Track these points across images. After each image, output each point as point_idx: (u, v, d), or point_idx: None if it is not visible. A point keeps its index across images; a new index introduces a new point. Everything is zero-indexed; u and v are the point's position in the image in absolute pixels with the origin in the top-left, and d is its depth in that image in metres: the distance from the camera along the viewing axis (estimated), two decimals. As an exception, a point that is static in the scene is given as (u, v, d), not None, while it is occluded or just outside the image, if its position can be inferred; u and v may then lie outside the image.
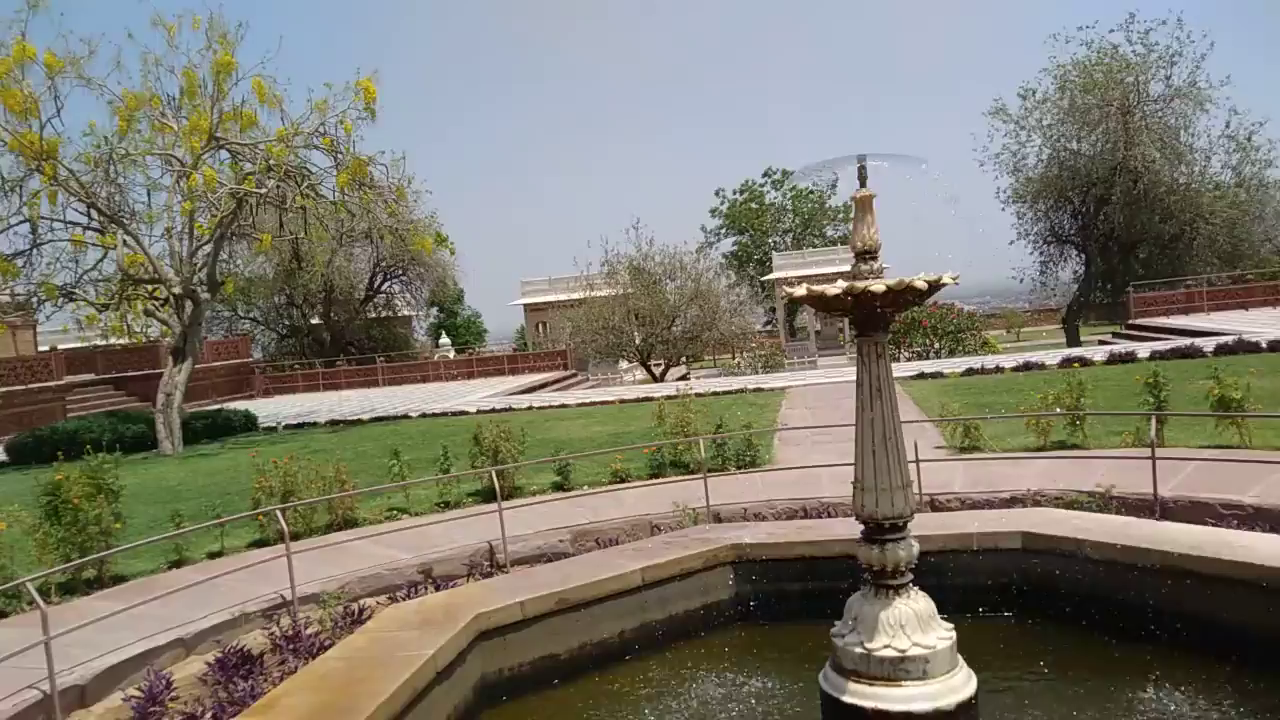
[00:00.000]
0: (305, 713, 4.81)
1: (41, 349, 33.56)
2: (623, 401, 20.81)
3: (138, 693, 5.84)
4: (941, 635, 4.77)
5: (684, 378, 31.57)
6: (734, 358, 39.75)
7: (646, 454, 11.23)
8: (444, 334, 49.25)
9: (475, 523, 9.02)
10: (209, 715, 5.49)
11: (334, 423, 21.83)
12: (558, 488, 10.57)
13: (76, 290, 19.66)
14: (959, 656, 4.82)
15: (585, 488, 10.42)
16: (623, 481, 10.60)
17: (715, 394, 19.90)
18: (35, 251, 19.05)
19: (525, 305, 50.09)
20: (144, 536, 9.20)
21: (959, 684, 4.68)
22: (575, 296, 38.20)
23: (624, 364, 38.85)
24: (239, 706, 5.40)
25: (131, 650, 6.32)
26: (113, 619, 6.53)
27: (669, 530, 8.52)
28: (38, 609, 5.92)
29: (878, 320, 4.80)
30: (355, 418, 22.28)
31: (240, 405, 26.38)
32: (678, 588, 6.98)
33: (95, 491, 8.19)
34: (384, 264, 45.57)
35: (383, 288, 47.59)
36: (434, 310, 55.03)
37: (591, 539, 8.67)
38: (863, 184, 4.91)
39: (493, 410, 20.98)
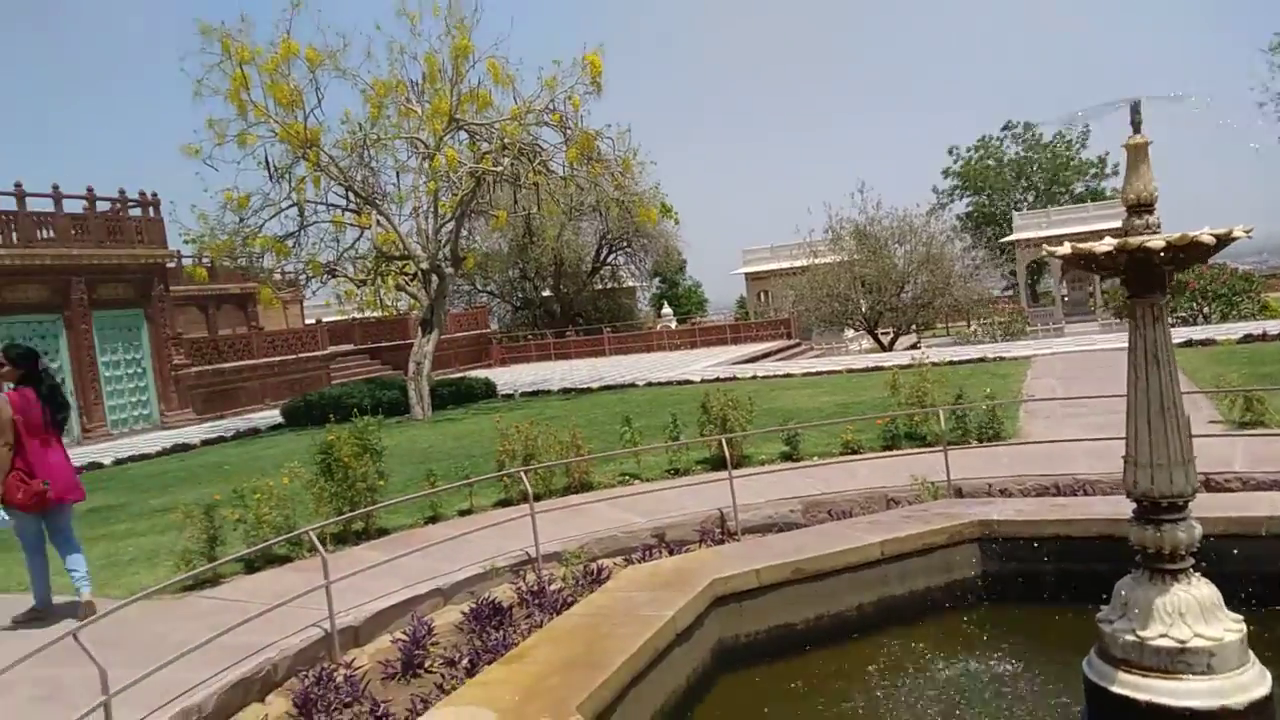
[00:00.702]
0: (554, 664, 5.01)
1: (307, 322, 37.16)
2: (850, 371, 20.32)
3: (403, 636, 6.31)
4: (1229, 627, 4.28)
5: (914, 346, 30.40)
6: (969, 325, 37.84)
7: (879, 425, 10.88)
8: (665, 304, 50.13)
9: (705, 490, 9.08)
10: (465, 660, 5.85)
11: (566, 390, 22.75)
12: (786, 458, 10.45)
13: (337, 267, 21.51)
14: (1250, 652, 4.32)
15: (815, 459, 10.24)
16: (855, 453, 10.32)
17: (951, 363, 19.02)
18: (303, 232, 20.99)
19: (746, 274, 49.97)
20: (403, 493, 9.96)
21: (1250, 681, 4.20)
22: (798, 264, 37.64)
23: (849, 333, 37.94)
24: (492, 655, 5.71)
25: (397, 597, 6.85)
26: (379, 568, 7.10)
27: (906, 504, 8.20)
28: (317, 556, 6.57)
29: (1155, 280, 4.34)
30: (585, 386, 23.11)
31: (480, 373, 28.06)
32: (919, 563, 6.71)
33: (362, 451, 8.92)
34: (609, 237, 46.80)
35: (608, 260, 48.94)
36: (656, 281, 56.07)
37: (823, 510, 8.51)
38: (1136, 130, 4.44)
39: (716, 380, 21.10)
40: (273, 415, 23.59)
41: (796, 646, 6.29)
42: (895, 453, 10.12)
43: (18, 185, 21.42)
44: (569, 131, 20.19)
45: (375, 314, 29.44)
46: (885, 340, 33.94)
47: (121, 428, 22.87)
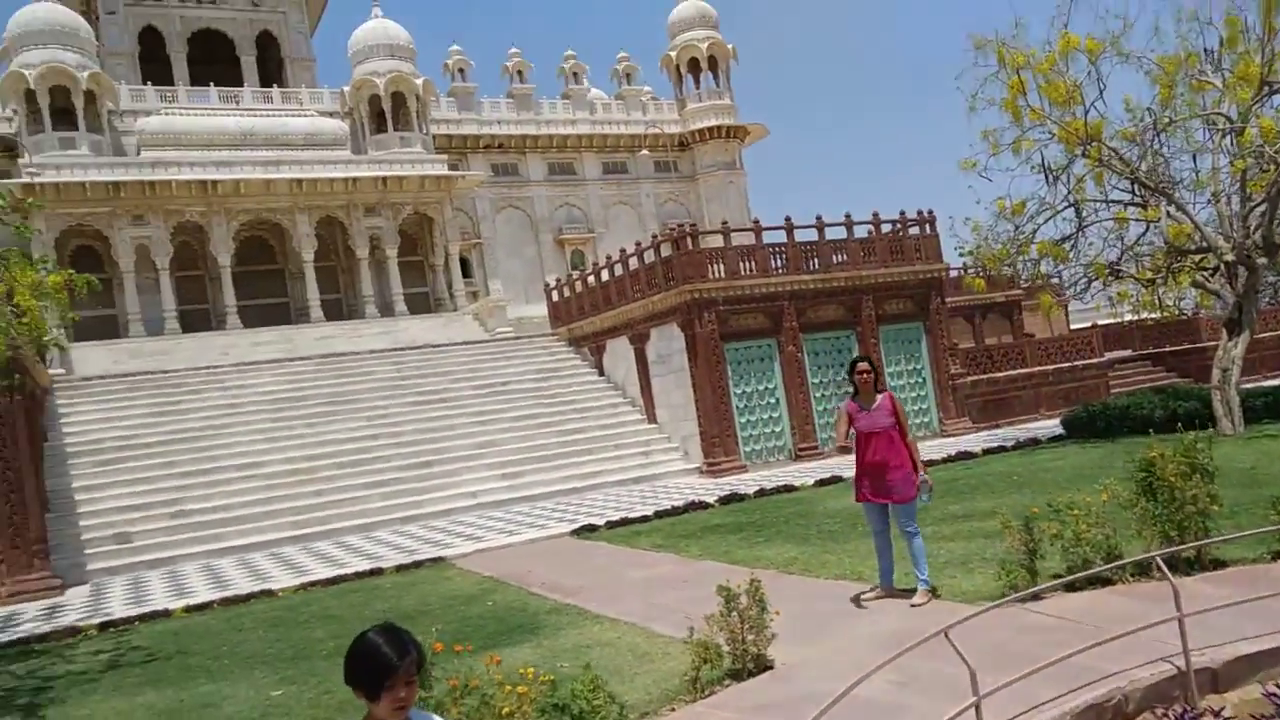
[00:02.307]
0: None
1: (1074, 327, 35.51)
2: None
3: (1277, 689, 5.28)
4: None
5: None
6: None
7: None
8: None
9: None
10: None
11: None
12: None
13: (1121, 267, 20.01)
14: None
15: None
16: None
17: None
18: (1080, 234, 19.99)
19: None
20: (1231, 520, 8.61)
21: None
22: None
23: None
24: None
25: (1265, 643, 5.81)
26: (1237, 607, 6.10)
27: None
28: (1143, 581, 5.91)
29: None
30: None
31: (1296, 381, 23.47)
32: None
33: (1190, 471, 7.90)
34: None
35: None
36: None
37: None
38: None
39: None
40: (1049, 425, 22.99)
41: None
42: None
43: (818, 219, 24.63)
44: None
45: (1153, 316, 26.77)
46: None
47: (905, 432, 24.58)
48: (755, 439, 22.53)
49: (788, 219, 24.10)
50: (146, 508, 18.25)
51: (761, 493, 17.21)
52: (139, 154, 32.64)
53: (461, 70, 41.95)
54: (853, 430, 7.97)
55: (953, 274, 29.72)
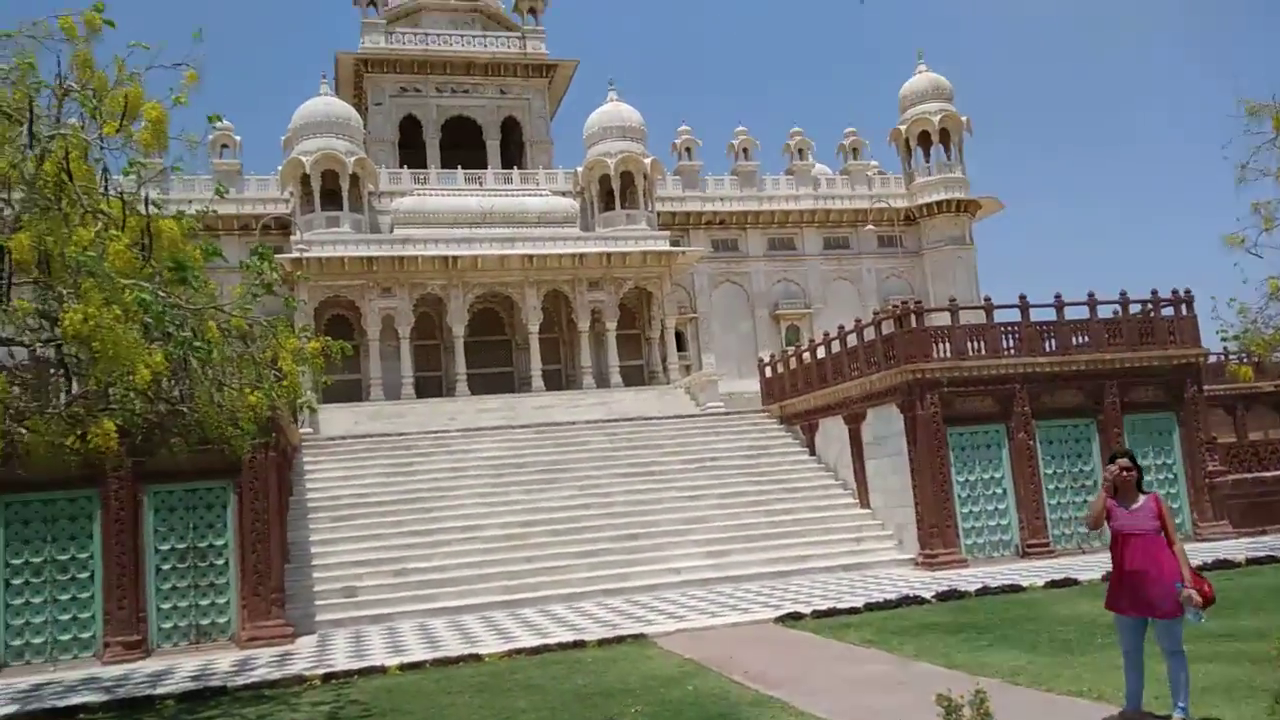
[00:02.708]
0: None
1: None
2: None
3: None
4: None
5: None
6: None
7: None
8: None
9: None
10: None
11: None
12: None
13: None
14: None
15: None
16: None
17: None
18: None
19: None
20: None
21: None
22: None
23: None
24: None
25: None
26: None
27: None
28: None
29: None
30: None
31: None
32: None
33: None
34: None
35: None
36: None
37: None
38: None
39: None
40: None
41: None
42: None
43: (1057, 296, 22.97)
44: None
45: None
46: None
47: (1154, 534, 22.10)
48: (978, 531, 20.99)
49: (1022, 296, 22.66)
50: (373, 564, 19.30)
51: (984, 590, 15.99)
52: (392, 231, 35.64)
53: (689, 149, 43.13)
54: (1108, 527, 7.21)
55: (1211, 359, 26.78)
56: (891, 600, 15.35)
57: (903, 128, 43.37)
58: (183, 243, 9.52)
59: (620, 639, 13.82)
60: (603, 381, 35.99)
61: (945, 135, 43.00)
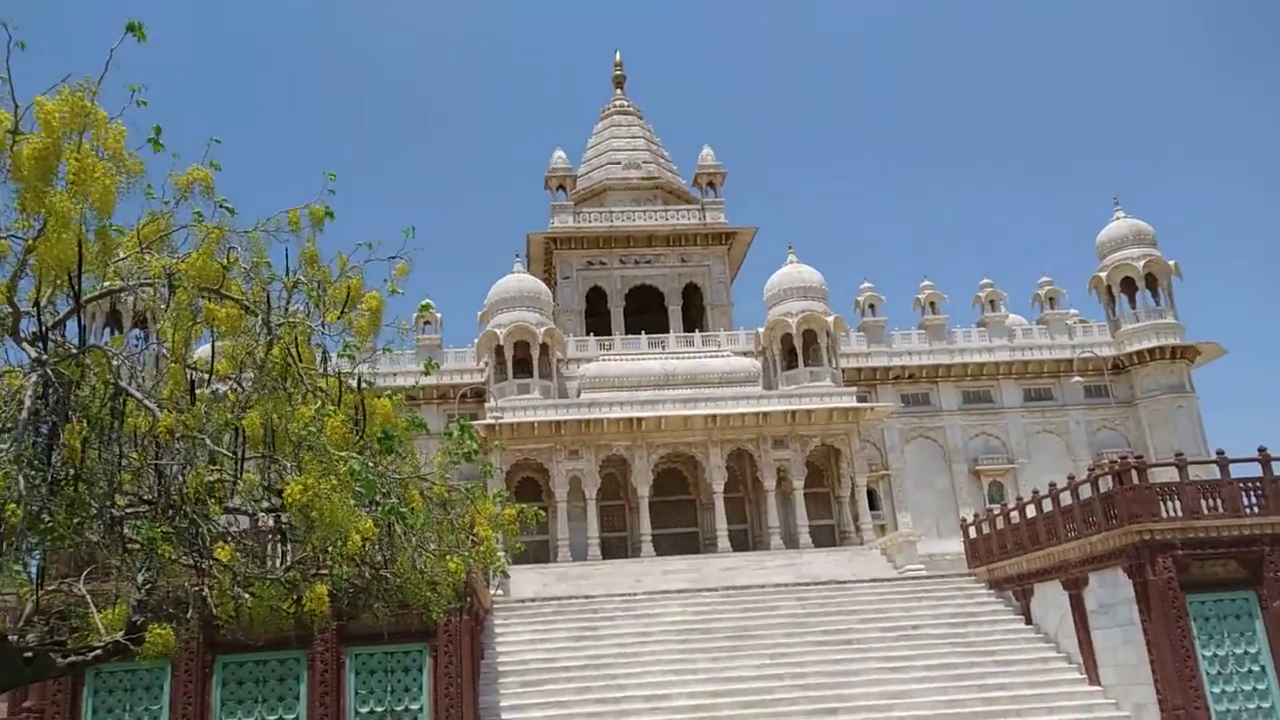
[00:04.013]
0: None
1: None
2: None
3: None
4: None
5: None
6: None
7: None
8: None
9: None
10: None
11: None
12: None
13: None
14: None
15: None
16: None
17: None
18: None
19: None
20: None
21: None
22: None
23: None
24: None
25: None
26: None
27: None
28: None
29: None
30: None
31: None
32: None
33: None
34: None
35: None
36: None
37: None
38: None
39: None
40: None
41: None
42: None
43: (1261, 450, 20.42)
44: None
45: None
46: None
47: None
48: (1235, 715, 18.31)
49: (1261, 449, 20.39)
50: (562, 732, 18.87)
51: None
52: (579, 396, 36.79)
53: (872, 305, 42.76)
54: None
55: None
56: (1137, 798, 13.44)
57: (1103, 274, 41.45)
58: (393, 417, 10.03)
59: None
60: (791, 542, 34.88)
61: (1152, 280, 40.73)
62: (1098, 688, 20.51)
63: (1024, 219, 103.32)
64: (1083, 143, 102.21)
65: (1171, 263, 40.50)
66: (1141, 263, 40.37)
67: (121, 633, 9.89)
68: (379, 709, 16.74)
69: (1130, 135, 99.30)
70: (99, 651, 10.25)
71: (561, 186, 45.20)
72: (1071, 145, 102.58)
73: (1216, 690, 18.38)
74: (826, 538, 36.28)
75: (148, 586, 10.61)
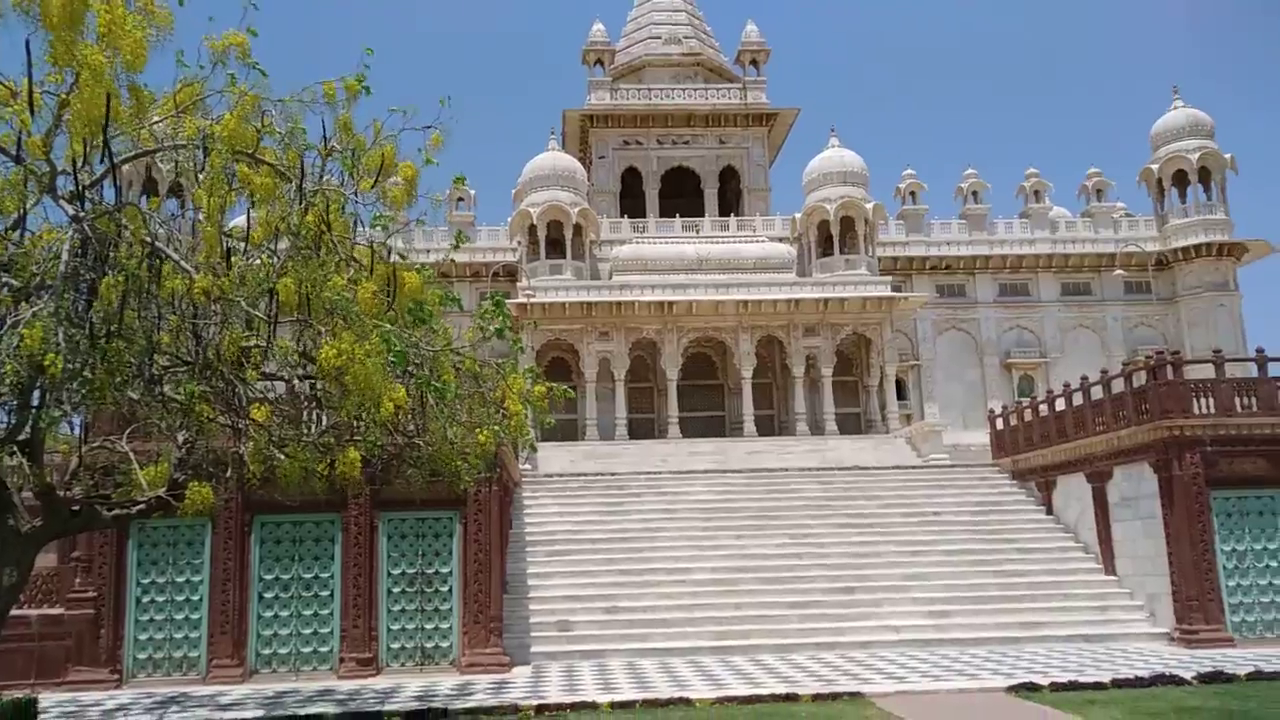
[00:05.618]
0: None
1: None
2: None
3: None
4: None
5: None
6: None
7: None
8: None
9: None
10: None
11: None
12: None
13: None
14: None
15: None
16: None
17: None
18: None
19: None
20: None
21: None
22: None
23: None
24: None
25: None
26: None
27: None
28: None
29: None
30: None
31: None
32: None
33: None
34: None
35: None
36: None
37: None
38: None
39: None
40: None
41: None
42: None
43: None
44: None
45: None
46: None
47: None
48: (1247, 608, 18.61)
49: (1300, 347, 20.10)
50: (585, 600, 19.56)
51: (1257, 675, 14.25)
52: (611, 278, 36.74)
53: (913, 193, 41.89)
54: None
55: None
56: (1143, 678, 13.84)
57: (1155, 167, 40.10)
58: (422, 291, 10.10)
59: (835, 695, 13.20)
60: (817, 429, 35.21)
61: (1205, 174, 39.39)
62: (1113, 577, 20.85)
63: (1077, 110, 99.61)
64: (1144, 34, 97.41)
65: (1228, 156, 39.08)
66: (1196, 155, 38.99)
67: (164, 489, 10.31)
68: (410, 570, 17.44)
69: (1193, 28, 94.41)
70: (142, 506, 10.72)
71: (599, 61, 44.08)
72: (1132, 36, 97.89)
73: (1231, 584, 18.62)
74: (852, 426, 36.57)
75: (187, 446, 11.01)
